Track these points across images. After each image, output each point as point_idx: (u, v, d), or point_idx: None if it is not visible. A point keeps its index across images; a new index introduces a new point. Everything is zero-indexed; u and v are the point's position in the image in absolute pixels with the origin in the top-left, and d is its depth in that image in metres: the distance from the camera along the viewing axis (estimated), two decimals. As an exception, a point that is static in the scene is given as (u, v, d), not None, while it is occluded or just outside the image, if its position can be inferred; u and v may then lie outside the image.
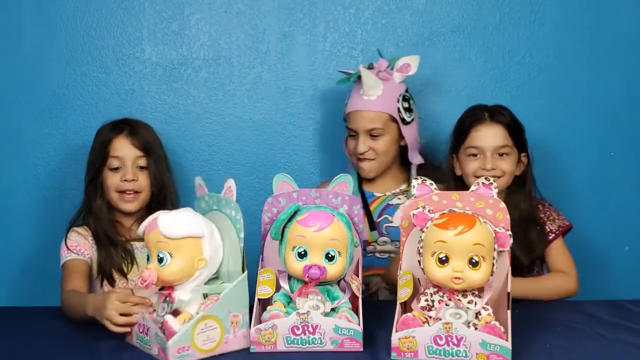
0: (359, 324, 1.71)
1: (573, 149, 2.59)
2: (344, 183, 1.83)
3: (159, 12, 2.53)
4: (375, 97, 2.28)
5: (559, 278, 2.17)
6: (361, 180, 2.41)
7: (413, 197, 1.77)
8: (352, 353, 1.70)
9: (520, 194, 2.22)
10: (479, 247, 1.64)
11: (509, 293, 1.71)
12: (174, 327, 1.70)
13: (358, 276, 1.82)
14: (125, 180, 2.16)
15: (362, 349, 1.70)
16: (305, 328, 1.69)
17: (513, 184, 2.22)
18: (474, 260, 1.64)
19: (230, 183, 1.84)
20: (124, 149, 2.18)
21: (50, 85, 2.51)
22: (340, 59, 2.52)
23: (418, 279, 1.78)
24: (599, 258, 2.58)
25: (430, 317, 1.69)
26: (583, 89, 2.58)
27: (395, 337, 1.66)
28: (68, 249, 2.15)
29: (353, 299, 1.78)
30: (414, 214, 1.72)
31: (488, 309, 1.69)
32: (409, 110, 2.33)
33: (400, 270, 1.78)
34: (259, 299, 1.78)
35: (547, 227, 2.22)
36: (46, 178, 2.53)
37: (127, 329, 1.77)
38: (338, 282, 1.80)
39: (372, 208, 2.37)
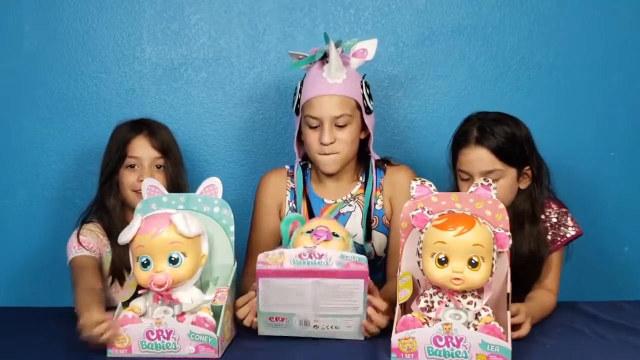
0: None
1: (573, 148, 2.59)
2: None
3: (159, 12, 2.52)
4: (341, 81, 2.05)
5: (547, 298, 2.04)
6: (307, 182, 2.23)
7: (412, 199, 1.77)
8: (352, 353, 1.71)
9: (519, 194, 2.09)
10: (479, 247, 1.64)
11: (508, 294, 1.70)
12: (213, 321, 1.72)
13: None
14: (141, 181, 2.15)
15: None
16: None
17: None
18: (473, 261, 1.65)
19: (214, 181, 1.87)
20: (142, 149, 2.16)
21: (50, 85, 2.51)
22: (340, 59, 2.51)
23: (417, 280, 1.78)
24: (599, 258, 2.58)
25: (430, 318, 1.70)
26: (583, 88, 2.58)
27: (395, 338, 1.66)
28: (79, 243, 2.11)
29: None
30: (413, 215, 1.71)
31: (488, 310, 1.69)
32: (370, 97, 2.13)
33: (400, 272, 1.78)
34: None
35: (549, 233, 2.10)
36: (46, 178, 2.53)
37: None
38: None
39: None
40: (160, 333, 1.69)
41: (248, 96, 2.56)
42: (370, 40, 2.11)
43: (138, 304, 1.77)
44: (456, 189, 2.10)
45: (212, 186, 1.87)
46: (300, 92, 2.12)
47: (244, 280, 2.07)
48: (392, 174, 2.19)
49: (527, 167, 2.07)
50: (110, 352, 1.71)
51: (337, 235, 1.78)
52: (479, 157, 2.00)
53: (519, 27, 2.56)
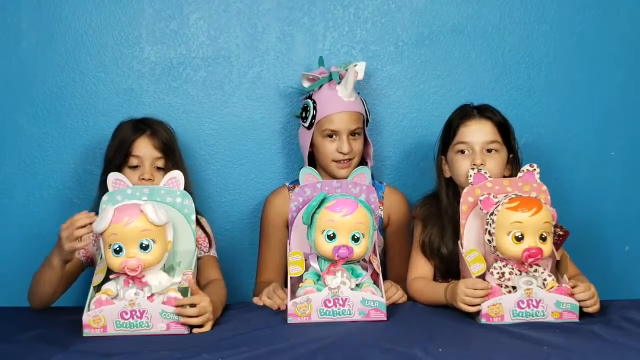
0: (382, 297, 1.94)
1: (573, 148, 2.59)
2: (363, 175, 2.11)
3: (158, 11, 2.52)
4: (354, 99, 2.35)
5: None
6: None
7: (471, 185, 2.04)
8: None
9: None
10: (547, 225, 1.93)
11: (558, 261, 2.01)
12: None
13: (377, 256, 2.05)
14: (143, 180, 2.17)
15: (386, 319, 1.92)
16: (337, 301, 1.91)
17: None
18: (543, 236, 1.92)
19: (176, 174, 2.06)
20: (144, 149, 2.21)
21: (49, 85, 2.51)
22: (340, 58, 2.51)
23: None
24: (599, 258, 2.58)
25: (507, 286, 1.95)
26: (583, 88, 2.58)
27: (485, 306, 1.90)
28: None
29: (372, 275, 2.02)
30: (481, 200, 1.97)
31: (551, 276, 1.96)
32: (369, 112, 2.41)
33: (464, 249, 2.02)
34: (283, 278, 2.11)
35: None
36: (44, 178, 2.52)
37: (87, 242, 1.91)
38: (358, 261, 2.02)
39: None
40: (133, 313, 1.83)
41: (247, 95, 2.56)
42: (360, 62, 2.36)
43: (110, 287, 1.90)
44: (441, 176, 2.24)
45: (175, 179, 2.05)
46: (315, 109, 2.34)
47: (257, 288, 2.34)
48: (393, 193, 2.45)
49: (512, 155, 2.22)
50: (87, 332, 1.83)
51: (357, 241, 1.94)
52: (482, 128, 2.17)
53: (519, 26, 2.56)
